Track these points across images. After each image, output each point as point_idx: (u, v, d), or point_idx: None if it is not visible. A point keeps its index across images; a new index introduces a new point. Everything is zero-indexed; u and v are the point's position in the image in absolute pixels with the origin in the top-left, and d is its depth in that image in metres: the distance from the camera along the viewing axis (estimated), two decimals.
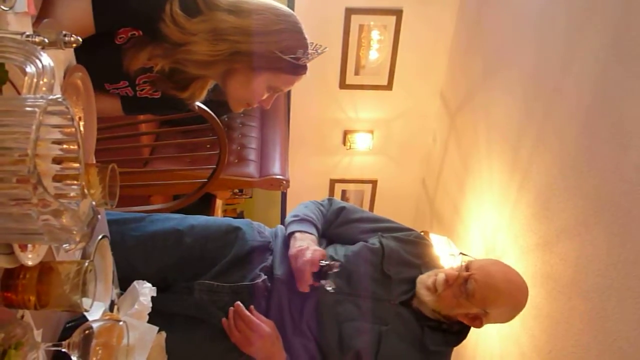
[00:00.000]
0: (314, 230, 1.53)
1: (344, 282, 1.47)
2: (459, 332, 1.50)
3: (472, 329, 1.52)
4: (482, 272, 1.40)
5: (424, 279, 1.47)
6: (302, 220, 1.56)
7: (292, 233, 1.51)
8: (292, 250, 1.45)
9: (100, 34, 1.23)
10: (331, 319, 1.43)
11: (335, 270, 1.40)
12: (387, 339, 1.41)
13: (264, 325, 1.39)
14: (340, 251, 1.54)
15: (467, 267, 1.44)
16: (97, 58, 1.18)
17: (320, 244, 1.57)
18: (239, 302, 1.41)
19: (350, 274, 1.48)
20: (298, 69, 1.36)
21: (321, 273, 1.39)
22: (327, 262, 1.40)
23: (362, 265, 1.49)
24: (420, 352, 1.44)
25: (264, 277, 1.46)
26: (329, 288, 1.38)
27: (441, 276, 1.43)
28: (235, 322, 1.39)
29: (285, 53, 1.30)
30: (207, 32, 1.25)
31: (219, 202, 3.53)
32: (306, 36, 1.35)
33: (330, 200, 1.70)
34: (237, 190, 3.70)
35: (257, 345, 1.37)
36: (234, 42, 1.27)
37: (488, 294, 1.38)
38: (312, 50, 1.36)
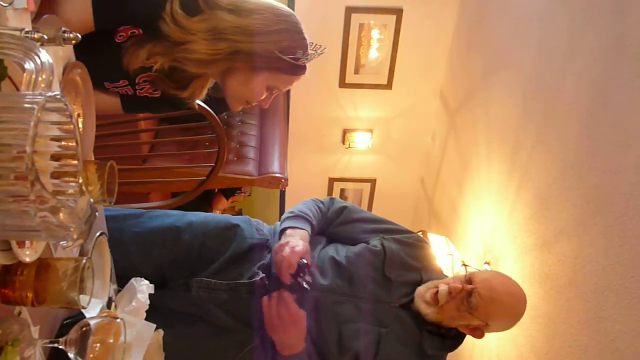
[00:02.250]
0: (307, 227, 1.53)
1: (344, 284, 1.46)
2: (456, 337, 1.50)
3: None
4: (485, 286, 1.40)
5: (422, 293, 1.45)
6: (297, 216, 1.56)
7: (284, 229, 1.51)
8: (276, 244, 1.46)
9: (100, 33, 1.23)
10: (330, 319, 1.43)
11: (312, 270, 1.41)
12: (386, 342, 1.41)
13: (303, 318, 1.37)
14: (341, 251, 1.53)
15: (469, 280, 1.43)
16: (97, 56, 1.17)
17: (319, 242, 1.57)
18: (287, 291, 1.38)
19: (351, 276, 1.47)
20: (297, 69, 1.35)
21: (297, 272, 1.40)
22: (304, 262, 1.39)
23: (363, 266, 1.49)
24: (418, 356, 1.44)
25: (261, 275, 1.46)
26: (305, 285, 1.39)
27: (444, 288, 1.41)
28: (277, 308, 1.37)
29: (284, 53, 1.30)
30: (207, 31, 1.25)
31: (216, 212, 3.53)
32: (306, 36, 1.35)
33: (332, 199, 1.69)
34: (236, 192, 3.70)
35: (290, 334, 1.36)
36: (234, 41, 1.27)
37: (491, 308, 1.38)
38: (312, 50, 1.36)
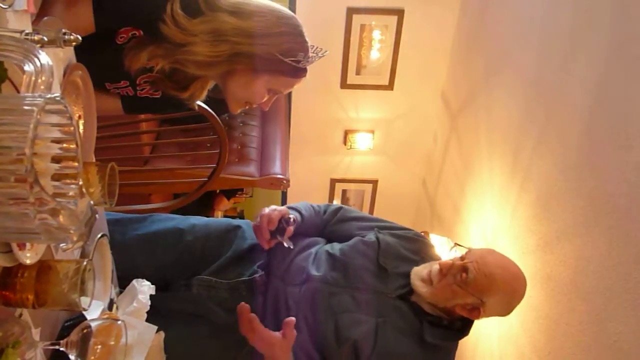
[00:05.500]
0: (297, 214, 1.54)
1: (339, 275, 1.47)
2: (460, 329, 1.50)
3: (474, 327, 1.52)
4: (476, 260, 1.40)
5: (419, 271, 1.47)
6: (288, 208, 1.58)
7: None
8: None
9: (101, 34, 1.23)
10: (326, 311, 1.44)
11: (292, 223, 1.43)
12: (384, 331, 1.41)
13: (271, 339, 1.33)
14: (336, 246, 1.56)
15: (461, 257, 1.44)
16: (98, 58, 1.18)
17: (317, 243, 1.59)
18: (243, 304, 1.37)
19: (345, 267, 1.49)
20: (298, 72, 1.36)
21: (279, 229, 1.41)
22: (284, 219, 1.42)
23: (357, 257, 1.50)
24: (419, 345, 1.43)
25: (261, 272, 1.47)
26: (286, 244, 1.41)
27: (436, 267, 1.43)
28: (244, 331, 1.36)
29: (285, 56, 1.30)
30: (208, 33, 1.25)
31: (217, 214, 3.53)
32: (307, 39, 1.35)
33: (327, 204, 1.73)
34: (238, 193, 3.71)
35: (257, 345, 1.35)
36: (235, 43, 1.27)
37: (483, 281, 1.38)
38: (313, 53, 1.36)
